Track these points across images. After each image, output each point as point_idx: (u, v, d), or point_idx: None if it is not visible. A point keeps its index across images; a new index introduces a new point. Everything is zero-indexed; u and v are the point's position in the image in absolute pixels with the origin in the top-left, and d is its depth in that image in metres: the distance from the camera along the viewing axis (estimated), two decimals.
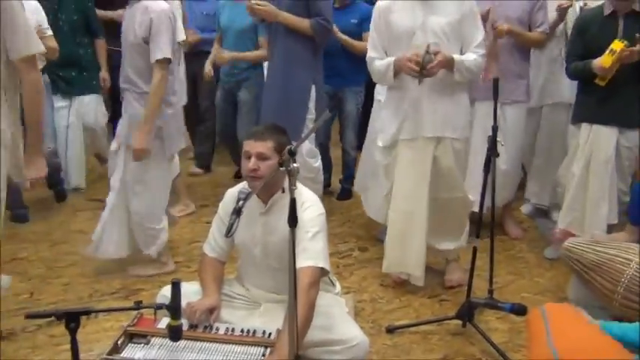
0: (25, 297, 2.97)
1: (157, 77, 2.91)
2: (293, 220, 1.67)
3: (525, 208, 4.20)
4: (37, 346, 2.55)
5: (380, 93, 3.67)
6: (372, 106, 4.06)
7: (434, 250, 3.15)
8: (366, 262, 3.46)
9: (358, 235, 3.83)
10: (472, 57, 2.81)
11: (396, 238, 3.02)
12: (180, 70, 4.37)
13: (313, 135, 3.52)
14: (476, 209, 2.88)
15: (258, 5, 3.32)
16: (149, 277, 3.19)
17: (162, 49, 2.89)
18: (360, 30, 3.96)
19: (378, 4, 2.95)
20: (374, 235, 3.79)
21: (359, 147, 4.19)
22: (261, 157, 2.20)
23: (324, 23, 3.35)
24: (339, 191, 4.47)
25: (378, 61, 2.91)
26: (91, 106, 4.43)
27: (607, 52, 2.87)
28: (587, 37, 3.12)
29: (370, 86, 4.70)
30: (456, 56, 2.76)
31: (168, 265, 3.33)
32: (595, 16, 3.13)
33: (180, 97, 3.87)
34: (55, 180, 4.22)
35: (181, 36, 3.97)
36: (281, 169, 1.62)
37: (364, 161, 3.90)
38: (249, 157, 2.23)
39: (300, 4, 3.34)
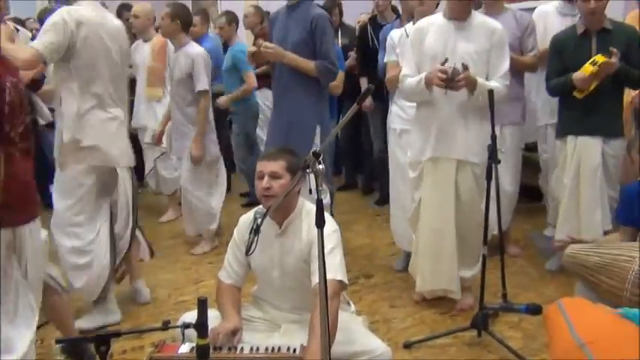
0: None
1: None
2: (321, 220, 1.71)
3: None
4: None
5: (394, 122, 3.70)
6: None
7: None
8: (373, 287, 3.50)
9: (362, 264, 3.87)
10: (495, 84, 2.86)
11: (427, 256, 3.05)
12: None
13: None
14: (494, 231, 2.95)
15: (266, 47, 3.39)
16: (157, 317, 3.17)
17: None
18: None
19: (416, 24, 3.06)
20: (377, 263, 3.85)
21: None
22: (274, 175, 2.27)
23: (330, 66, 3.39)
24: None
25: (411, 78, 2.99)
26: None
27: (589, 62, 3.05)
28: (564, 56, 3.30)
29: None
30: (480, 79, 2.83)
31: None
32: (569, 36, 3.33)
33: None
34: None
35: None
36: (307, 170, 1.68)
37: (392, 193, 3.82)
38: (262, 177, 2.29)
39: (306, 45, 3.40)
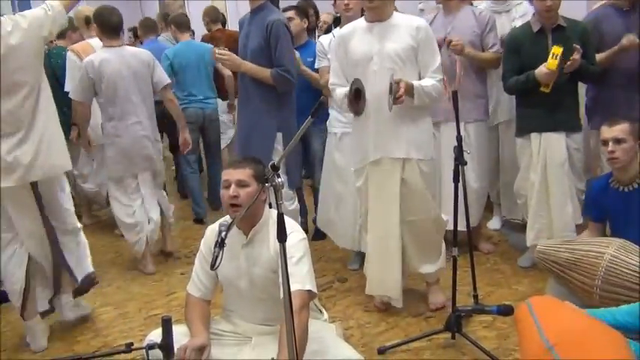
0: None
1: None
2: (282, 235, 1.68)
3: (493, 224, 4.30)
4: None
5: (334, 126, 3.69)
6: None
7: (414, 273, 3.18)
8: (347, 291, 3.46)
9: (335, 268, 3.83)
10: (430, 82, 2.86)
11: (375, 261, 3.05)
12: None
13: (287, 178, 3.50)
14: (450, 227, 2.94)
15: (222, 55, 3.36)
16: (128, 333, 3.11)
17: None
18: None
19: (337, 33, 3.03)
20: (351, 267, 3.81)
21: None
22: (241, 184, 2.24)
23: (284, 74, 3.34)
24: (314, 232, 4.31)
25: (340, 89, 2.98)
26: None
27: (550, 57, 3.05)
28: (521, 54, 3.29)
29: None
30: (416, 82, 2.83)
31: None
32: (525, 34, 3.32)
33: None
34: None
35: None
36: (266, 184, 1.65)
37: (325, 195, 3.84)
38: (228, 186, 2.26)
39: (263, 52, 3.36)
